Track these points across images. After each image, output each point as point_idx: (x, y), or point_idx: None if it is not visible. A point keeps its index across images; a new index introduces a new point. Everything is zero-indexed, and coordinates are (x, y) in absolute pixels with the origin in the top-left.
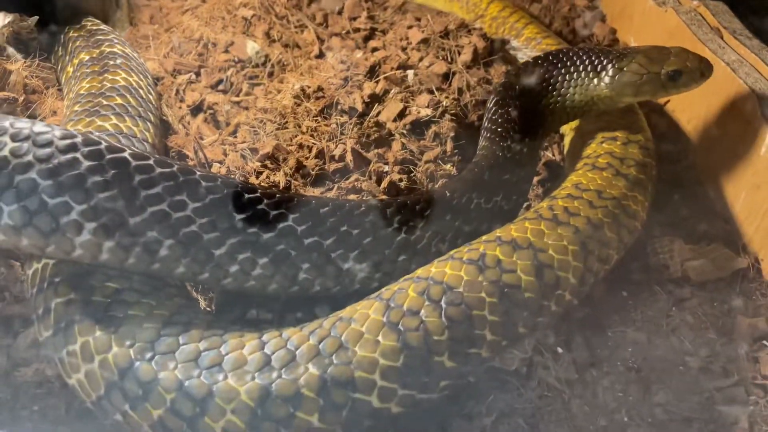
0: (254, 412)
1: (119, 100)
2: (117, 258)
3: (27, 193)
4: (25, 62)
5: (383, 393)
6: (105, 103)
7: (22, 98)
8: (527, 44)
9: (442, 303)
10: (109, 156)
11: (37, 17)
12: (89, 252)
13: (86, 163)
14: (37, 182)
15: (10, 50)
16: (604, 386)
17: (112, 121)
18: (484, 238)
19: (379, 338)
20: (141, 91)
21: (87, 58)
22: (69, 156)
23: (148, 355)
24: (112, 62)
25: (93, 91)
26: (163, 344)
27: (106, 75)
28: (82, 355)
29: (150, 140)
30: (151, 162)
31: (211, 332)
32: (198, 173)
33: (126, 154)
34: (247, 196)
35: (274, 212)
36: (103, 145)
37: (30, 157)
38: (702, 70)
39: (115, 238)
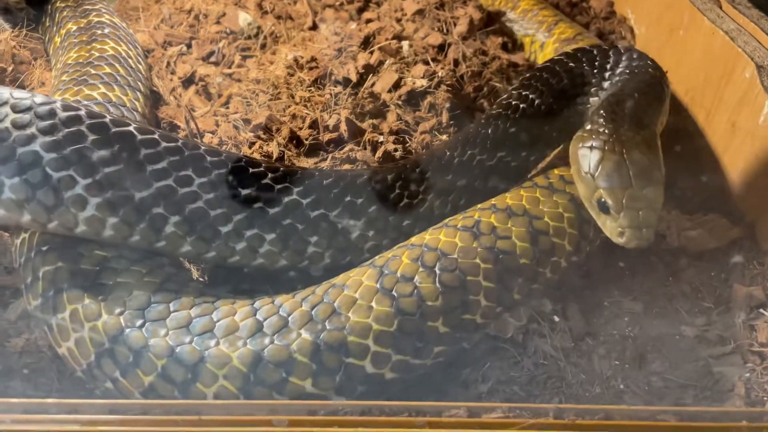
0: (246, 377)
1: (108, 69)
2: (121, 235)
3: (29, 166)
4: (13, 32)
5: (377, 358)
6: (93, 72)
7: (10, 68)
8: (523, 16)
9: (437, 269)
10: (114, 129)
11: None
12: (93, 228)
13: (91, 137)
14: (40, 155)
15: None
16: (600, 355)
17: (101, 90)
18: (479, 206)
19: (373, 304)
20: (130, 60)
21: (74, 27)
22: (73, 129)
23: (139, 322)
24: (99, 31)
25: (81, 61)
26: (153, 311)
27: (94, 44)
28: (72, 323)
29: (139, 110)
30: (156, 136)
31: (203, 299)
32: (203, 147)
33: (131, 128)
34: (251, 170)
35: (279, 186)
36: (108, 118)
37: (33, 130)
38: None
39: (120, 214)
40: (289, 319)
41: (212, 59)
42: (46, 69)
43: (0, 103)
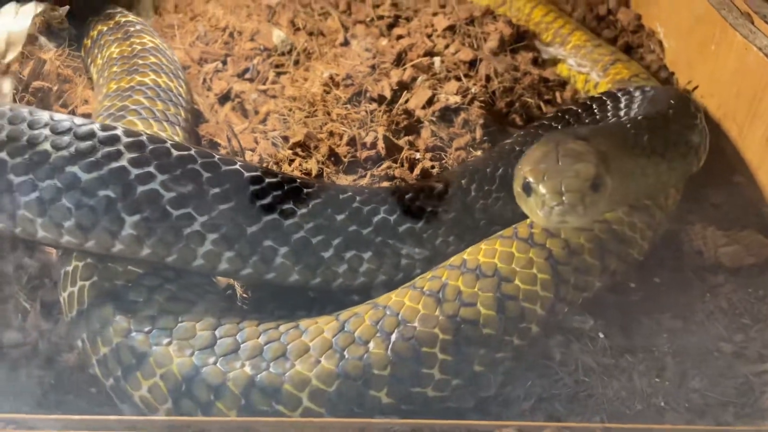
0: (179, 386)
1: (153, 59)
2: (234, 268)
3: (149, 203)
4: (56, 52)
5: (307, 414)
6: (141, 62)
7: (56, 88)
8: (576, 53)
9: (392, 336)
10: (224, 168)
11: (68, 7)
12: (210, 262)
13: (206, 175)
14: (160, 193)
15: (42, 39)
16: (639, 372)
17: (151, 76)
18: (450, 261)
19: (321, 359)
20: (168, 51)
21: (105, 28)
22: (189, 167)
23: (114, 297)
24: (132, 29)
25: (125, 54)
26: (133, 293)
27: (132, 39)
28: (72, 277)
29: (184, 95)
30: (259, 173)
31: (184, 295)
32: (299, 180)
33: (239, 166)
34: (341, 196)
35: (367, 207)
36: (217, 157)
37: (151, 169)
38: None
39: (235, 248)
40: (242, 346)
41: (247, 76)
42: (87, 87)
43: (112, 140)
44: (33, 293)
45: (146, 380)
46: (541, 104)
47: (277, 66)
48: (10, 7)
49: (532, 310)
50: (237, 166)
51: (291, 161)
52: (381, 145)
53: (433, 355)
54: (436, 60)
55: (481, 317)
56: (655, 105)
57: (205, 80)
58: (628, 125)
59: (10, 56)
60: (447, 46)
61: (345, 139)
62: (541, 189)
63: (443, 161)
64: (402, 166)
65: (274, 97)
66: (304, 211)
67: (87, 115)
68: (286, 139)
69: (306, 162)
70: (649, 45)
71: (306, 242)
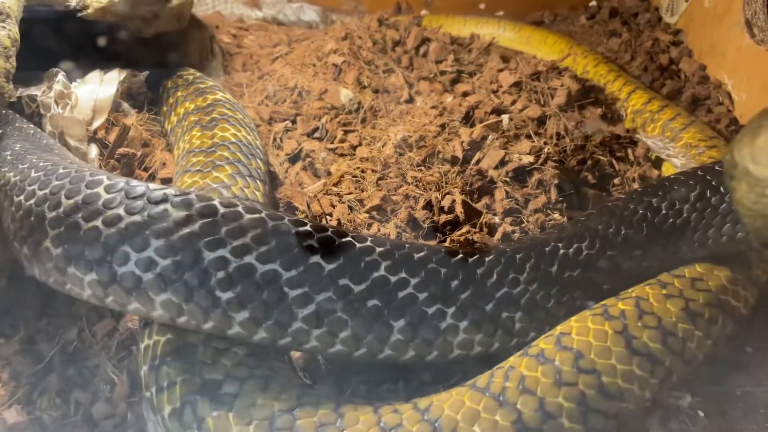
0: None
1: (226, 111)
2: (485, 349)
3: (409, 308)
4: (137, 117)
5: None
6: (218, 116)
7: (139, 153)
8: (686, 152)
9: None
10: (463, 265)
11: (147, 72)
12: (465, 350)
13: (451, 278)
14: (415, 296)
15: (125, 105)
16: None
17: (230, 131)
18: (418, 401)
19: None
20: (237, 103)
21: (181, 90)
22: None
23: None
24: (203, 85)
25: (199, 106)
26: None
27: (206, 95)
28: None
29: (256, 145)
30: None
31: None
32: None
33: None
34: (546, 249)
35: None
36: (461, 254)
37: (404, 274)
38: None
39: (482, 329)
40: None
41: (316, 135)
42: (164, 149)
43: (369, 251)
44: (120, 363)
45: None
46: (614, 161)
47: (344, 124)
48: (95, 75)
49: None
50: (463, 257)
51: (369, 225)
52: (459, 209)
53: None
54: (505, 117)
55: None
56: None
57: (275, 139)
58: None
59: (97, 123)
60: (513, 103)
61: (421, 202)
62: None
63: (523, 225)
64: (481, 230)
65: (343, 155)
66: (532, 275)
67: (167, 180)
68: (361, 202)
69: (384, 227)
70: (717, 97)
71: (535, 303)
